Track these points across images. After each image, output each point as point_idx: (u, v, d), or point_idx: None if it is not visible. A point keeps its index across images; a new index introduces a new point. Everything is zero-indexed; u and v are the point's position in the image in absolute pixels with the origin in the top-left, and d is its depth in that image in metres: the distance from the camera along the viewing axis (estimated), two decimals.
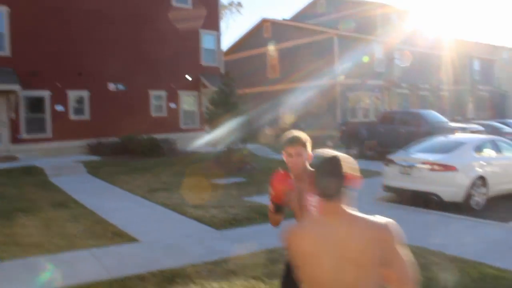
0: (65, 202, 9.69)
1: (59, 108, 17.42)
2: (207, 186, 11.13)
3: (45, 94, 17.13)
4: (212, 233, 7.17)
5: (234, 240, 6.67)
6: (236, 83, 16.00)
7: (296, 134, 2.82)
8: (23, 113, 16.74)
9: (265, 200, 9.43)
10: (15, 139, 16.53)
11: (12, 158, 15.77)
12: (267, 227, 7.17)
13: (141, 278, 5.03)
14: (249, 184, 11.89)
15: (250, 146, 18.04)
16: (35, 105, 17.07)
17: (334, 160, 1.95)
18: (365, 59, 26.31)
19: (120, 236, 6.94)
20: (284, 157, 2.80)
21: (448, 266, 5.34)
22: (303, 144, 2.77)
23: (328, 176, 1.92)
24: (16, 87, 15.43)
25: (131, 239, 6.75)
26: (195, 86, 21.13)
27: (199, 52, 21.50)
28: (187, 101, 21.35)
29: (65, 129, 17.37)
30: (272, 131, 22.90)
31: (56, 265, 5.56)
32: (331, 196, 1.91)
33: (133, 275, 5.13)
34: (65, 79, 17.39)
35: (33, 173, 13.47)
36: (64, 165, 14.52)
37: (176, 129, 20.41)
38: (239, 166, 14.35)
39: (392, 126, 16.87)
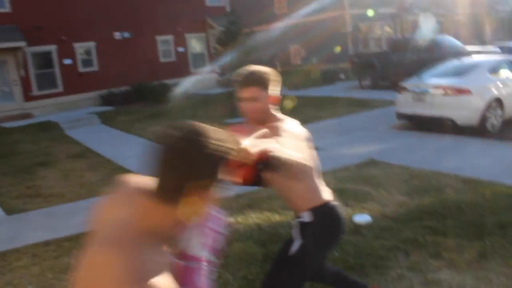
0: (82, 153, 9.86)
1: (67, 61, 17.36)
2: (219, 127, 11.13)
3: (52, 48, 17.02)
4: None
5: None
6: (242, 21, 15.61)
7: (252, 71, 2.08)
8: (32, 70, 16.74)
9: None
10: (28, 96, 16.65)
11: (27, 116, 15.98)
12: None
13: None
14: None
15: None
16: (43, 60, 17.04)
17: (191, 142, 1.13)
18: None
19: None
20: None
21: (462, 187, 5.35)
22: (261, 84, 2.04)
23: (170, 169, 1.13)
24: (21, 43, 15.34)
25: None
26: (202, 27, 20.70)
27: None
28: (195, 44, 21.01)
29: (75, 82, 17.40)
30: (282, 67, 22.59)
31: (76, 212, 5.75)
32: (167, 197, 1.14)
33: None
34: (70, 32, 17.17)
35: (48, 128, 13.65)
36: (78, 117, 14.67)
37: (186, 73, 20.24)
38: None
39: (404, 54, 16.41)
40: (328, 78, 19.23)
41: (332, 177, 5.84)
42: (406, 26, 27.75)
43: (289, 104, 11.27)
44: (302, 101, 13.24)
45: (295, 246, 2.24)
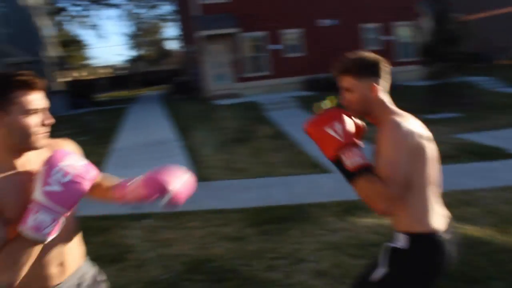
0: (274, 134, 10.47)
1: (276, 47, 18.51)
2: None
3: (263, 34, 18.38)
4: None
5: None
6: (458, 7, 14.21)
7: (349, 58, 1.87)
8: (244, 54, 18.41)
9: (480, 138, 8.44)
10: (238, 78, 18.40)
11: (236, 95, 17.70)
12: (465, 167, 6.46)
13: (321, 206, 5.17)
14: (464, 120, 10.73)
15: (476, 78, 16.10)
16: (254, 45, 18.54)
17: None
18: None
19: (315, 167, 7.19)
20: None
21: None
22: (355, 73, 1.83)
23: None
24: (236, 30, 16.97)
25: (323, 170, 6.92)
26: (410, 16, 19.60)
27: None
28: (402, 32, 20.03)
29: (282, 67, 18.48)
30: (506, 60, 19.85)
31: (250, 188, 6.15)
32: None
33: (316, 202, 5.30)
34: (280, 20, 18.26)
35: (252, 108, 14.86)
36: (279, 100, 15.57)
37: (391, 62, 19.43)
38: (457, 100, 13.00)
39: None
40: None
41: None
42: None
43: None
44: None
45: (378, 273, 1.87)
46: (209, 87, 18.38)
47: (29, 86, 1.48)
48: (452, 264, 1.86)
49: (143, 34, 51.94)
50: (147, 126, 13.82)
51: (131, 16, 48.21)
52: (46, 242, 1.42)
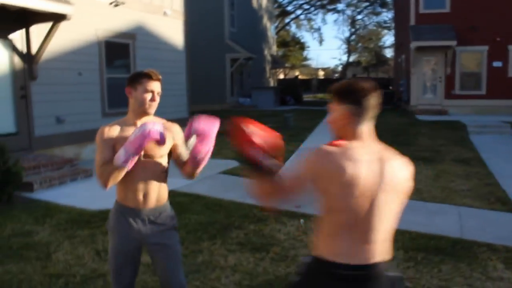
0: (469, 159, 9.52)
1: (497, 64, 16.60)
2: None
3: (482, 49, 16.66)
4: None
5: None
6: None
7: (341, 83, 1.92)
8: (458, 69, 17.01)
9: None
10: (449, 94, 17.11)
11: (442, 112, 16.53)
12: None
13: (492, 248, 4.57)
14: None
15: None
16: (471, 61, 16.96)
17: None
18: None
19: (502, 204, 6.34)
20: None
21: None
22: (336, 97, 1.89)
23: None
24: (453, 43, 15.78)
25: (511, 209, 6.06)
26: None
27: None
28: None
29: (499, 87, 16.51)
30: None
31: (420, 211, 5.78)
32: None
33: (486, 242, 4.71)
34: (505, 34, 16.27)
35: (454, 127, 13.71)
36: (488, 123, 13.99)
37: None
38: None
39: None
40: None
41: None
42: None
43: None
44: None
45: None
46: (414, 100, 17.60)
47: (150, 77, 2.43)
48: None
49: (360, 40, 52.32)
50: None
51: (351, 22, 49.02)
52: (124, 170, 2.29)
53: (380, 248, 1.84)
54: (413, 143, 11.17)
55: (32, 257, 4.33)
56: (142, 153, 2.37)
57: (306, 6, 43.49)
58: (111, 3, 9.94)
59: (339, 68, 50.60)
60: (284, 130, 13.62)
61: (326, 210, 1.82)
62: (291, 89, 27.82)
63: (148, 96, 2.41)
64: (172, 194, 6.42)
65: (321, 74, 75.25)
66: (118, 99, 10.18)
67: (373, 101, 1.86)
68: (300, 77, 48.58)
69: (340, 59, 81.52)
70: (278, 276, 3.89)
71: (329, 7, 43.96)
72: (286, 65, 37.29)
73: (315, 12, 47.18)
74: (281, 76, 49.37)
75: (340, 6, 55.43)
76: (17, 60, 8.02)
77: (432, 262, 4.21)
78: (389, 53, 50.89)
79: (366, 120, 1.87)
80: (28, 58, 8.09)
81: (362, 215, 1.78)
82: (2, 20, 7.46)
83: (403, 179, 1.87)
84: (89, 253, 4.40)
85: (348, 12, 52.82)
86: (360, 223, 1.78)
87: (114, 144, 2.38)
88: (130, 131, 2.37)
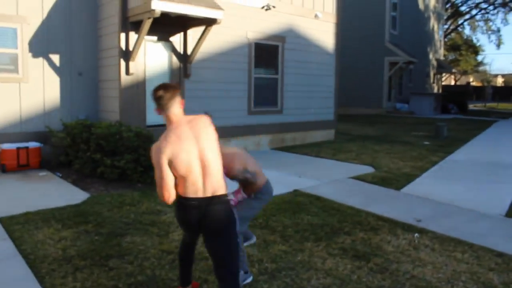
0: None
1: None
2: None
3: None
4: None
5: None
6: None
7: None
8: None
9: None
10: None
11: None
12: None
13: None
14: None
15: None
16: None
17: None
18: None
19: None
20: None
21: None
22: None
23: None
24: None
25: None
26: None
27: None
28: None
29: None
30: None
31: None
32: None
33: None
34: None
35: None
36: None
37: None
38: None
39: None
40: None
41: None
42: None
43: None
44: None
45: None
46: None
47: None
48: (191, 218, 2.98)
49: None
50: (498, 145, 12.58)
51: None
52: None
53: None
54: None
55: (154, 233, 4.91)
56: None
57: (483, 5, 39.49)
58: (262, 7, 10.50)
59: None
60: (433, 140, 12.74)
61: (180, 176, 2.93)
62: (455, 96, 25.75)
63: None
64: (294, 194, 6.62)
65: (499, 81, 67.79)
66: (263, 99, 10.72)
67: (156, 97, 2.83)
68: (476, 83, 44.44)
69: None
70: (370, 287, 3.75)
71: None
72: (454, 70, 34.45)
73: (494, 11, 42.54)
74: (452, 82, 45.89)
75: None
76: (174, 60, 9.06)
77: None
78: None
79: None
80: (184, 58, 9.06)
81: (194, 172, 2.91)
82: (165, 25, 8.47)
83: None
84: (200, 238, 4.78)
85: None
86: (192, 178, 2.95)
87: None
88: None
